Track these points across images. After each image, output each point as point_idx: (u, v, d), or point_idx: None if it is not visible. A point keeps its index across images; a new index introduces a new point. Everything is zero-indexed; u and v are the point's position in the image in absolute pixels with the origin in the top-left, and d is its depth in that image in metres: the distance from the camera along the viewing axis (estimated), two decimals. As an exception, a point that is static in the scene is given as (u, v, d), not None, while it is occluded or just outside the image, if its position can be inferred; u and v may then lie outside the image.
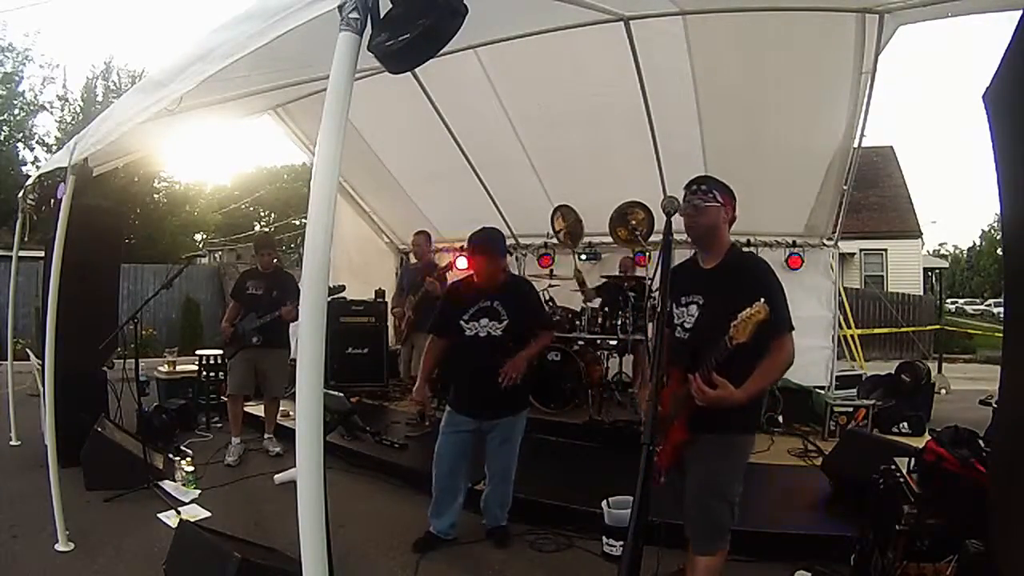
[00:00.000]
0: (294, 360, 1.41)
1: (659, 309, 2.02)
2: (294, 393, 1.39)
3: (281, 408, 5.05)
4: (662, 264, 2.04)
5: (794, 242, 5.72)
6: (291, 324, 4.61)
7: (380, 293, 6.77)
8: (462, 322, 3.04)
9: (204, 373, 5.80)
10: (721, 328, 1.96)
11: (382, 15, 1.41)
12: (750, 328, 1.81)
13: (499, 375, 2.97)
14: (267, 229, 28.54)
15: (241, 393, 4.71)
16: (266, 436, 4.84)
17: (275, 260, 4.89)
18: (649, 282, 4.94)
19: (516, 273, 5.89)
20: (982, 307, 28.97)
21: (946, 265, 28.64)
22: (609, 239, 5.98)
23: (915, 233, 16.93)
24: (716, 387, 1.99)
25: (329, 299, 1.44)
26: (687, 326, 2.23)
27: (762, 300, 1.83)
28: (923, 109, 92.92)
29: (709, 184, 2.22)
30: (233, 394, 4.72)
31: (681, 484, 2.20)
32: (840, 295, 6.38)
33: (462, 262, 3.03)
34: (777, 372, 2.12)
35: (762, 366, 2.05)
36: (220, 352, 5.53)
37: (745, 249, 2.61)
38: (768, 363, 2.06)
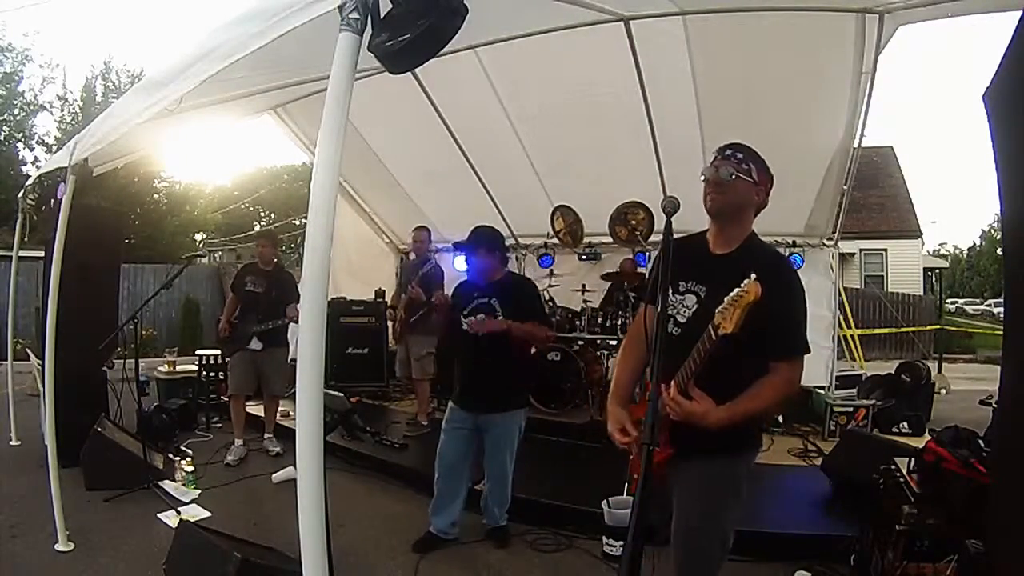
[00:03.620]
0: (294, 360, 1.41)
1: (659, 307, 1.64)
2: (294, 393, 1.39)
3: (281, 408, 5.05)
4: (662, 264, 1.66)
5: (794, 242, 5.71)
6: (291, 323, 4.62)
7: (380, 293, 6.77)
8: (462, 316, 3.13)
9: (204, 373, 5.80)
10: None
11: (382, 15, 1.41)
12: (738, 313, 1.43)
13: (491, 368, 3.05)
14: (268, 229, 28.55)
15: (242, 393, 4.71)
16: (266, 436, 4.83)
17: (275, 258, 4.87)
18: (649, 280, 4.93)
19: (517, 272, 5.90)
20: (982, 307, 28.96)
21: (946, 265, 28.64)
22: (609, 239, 5.98)
23: (915, 233, 16.92)
24: (692, 399, 1.63)
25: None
26: (680, 319, 1.80)
27: (753, 277, 1.43)
28: (923, 109, 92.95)
29: (746, 154, 1.79)
30: (234, 394, 4.72)
31: (666, 499, 1.85)
32: (840, 295, 6.37)
33: (459, 262, 3.06)
34: (772, 398, 1.70)
35: (757, 386, 1.68)
36: (219, 352, 5.52)
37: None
38: (765, 385, 1.68)
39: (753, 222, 1.84)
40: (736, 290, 1.44)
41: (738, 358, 1.62)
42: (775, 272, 1.69)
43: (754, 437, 1.89)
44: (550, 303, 5.93)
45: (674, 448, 1.73)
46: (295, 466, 1.34)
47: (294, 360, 1.41)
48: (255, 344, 4.53)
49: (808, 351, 1.75)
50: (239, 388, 4.67)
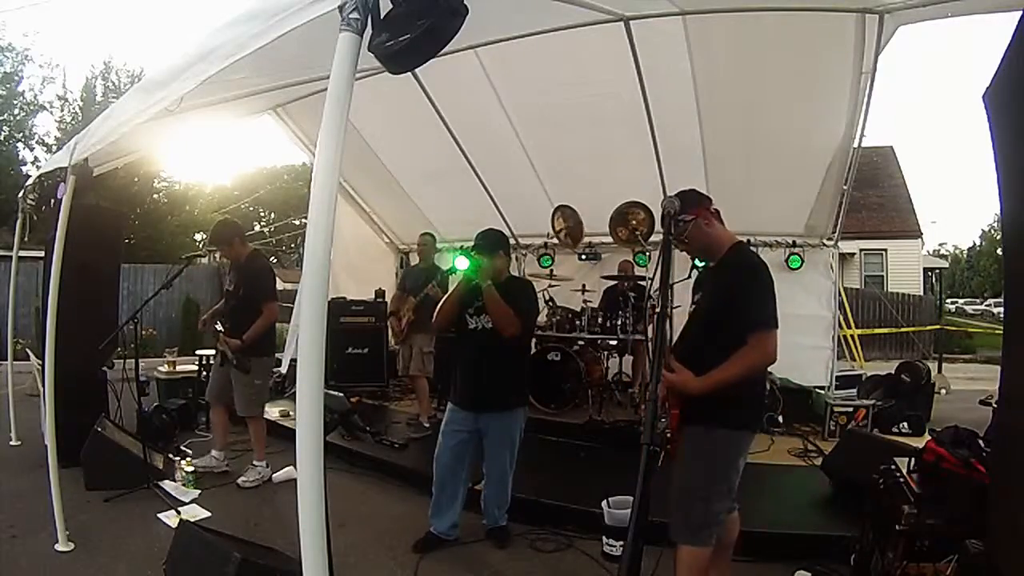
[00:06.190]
0: (294, 360, 1.41)
1: (659, 309, 2.00)
2: (294, 393, 1.39)
3: (281, 408, 5.02)
4: (662, 264, 2.02)
5: (794, 242, 5.71)
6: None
7: (380, 293, 6.77)
8: (467, 315, 3.15)
9: (204, 373, 5.79)
10: (701, 323, 2.20)
11: (383, 15, 1.41)
12: None
13: (491, 367, 3.08)
14: (267, 229, 28.59)
15: (219, 402, 4.21)
16: (254, 461, 4.11)
17: (238, 253, 4.19)
18: (649, 282, 4.92)
19: (517, 275, 5.90)
20: (982, 307, 28.97)
21: (946, 265, 28.66)
22: (609, 239, 5.97)
23: (915, 233, 16.92)
24: (674, 371, 2.10)
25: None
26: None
27: None
28: (923, 109, 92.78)
29: (671, 209, 2.16)
30: (210, 402, 4.33)
31: None
32: (840, 295, 6.37)
33: (462, 262, 3.05)
34: (744, 366, 2.06)
35: (731, 359, 2.05)
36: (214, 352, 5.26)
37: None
38: (737, 357, 2.05)
39: (724, 231, 2.26)
40: None
41: (715, 341, 2.09)
42: (729, 271, 2.20)
43: (742, 418, 2.18)
44: (550, 303, 5.92)
45: (682, 422, 2.15)
46: (295, 466, 1.34)
47: (294, 360, 1.41)
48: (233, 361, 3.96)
49: (774, 325, 2.05)
50: (214, 397, 4.23)
